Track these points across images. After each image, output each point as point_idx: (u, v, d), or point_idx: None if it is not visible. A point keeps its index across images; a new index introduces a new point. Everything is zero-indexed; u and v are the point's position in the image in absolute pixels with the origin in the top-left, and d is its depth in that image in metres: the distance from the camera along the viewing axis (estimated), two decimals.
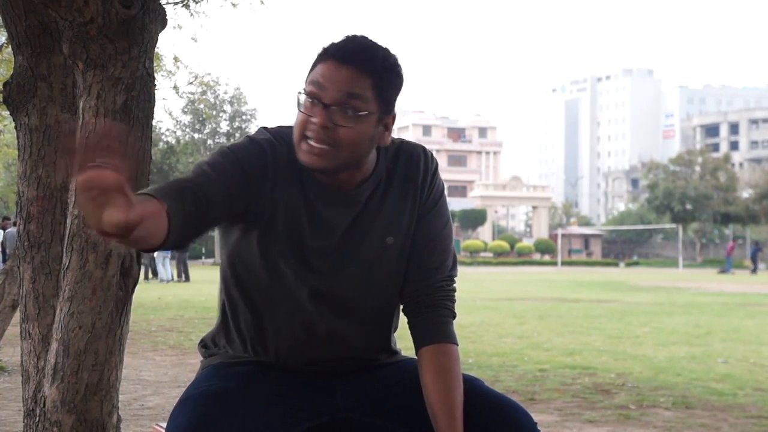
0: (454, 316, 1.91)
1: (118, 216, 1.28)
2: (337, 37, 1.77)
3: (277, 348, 1.87)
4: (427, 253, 1.89)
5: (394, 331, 2.01)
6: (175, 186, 1.62)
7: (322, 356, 1.89)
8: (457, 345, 1.88)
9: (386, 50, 1.78)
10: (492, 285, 23.47)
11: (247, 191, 1.74)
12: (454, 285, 1.94)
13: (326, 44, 1.76)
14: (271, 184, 1.77)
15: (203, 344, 1.99)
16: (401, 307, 1.96)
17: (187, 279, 23.39)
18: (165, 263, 23.26)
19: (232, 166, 1.72)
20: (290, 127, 1.83)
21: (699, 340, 9.71)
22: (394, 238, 1.86)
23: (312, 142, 1.72)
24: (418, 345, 1.87)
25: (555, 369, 7.16)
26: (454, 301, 1.93)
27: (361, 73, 1.72)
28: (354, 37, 1.76)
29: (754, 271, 40.45)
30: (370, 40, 1.77)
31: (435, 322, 1.87)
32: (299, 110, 1.74)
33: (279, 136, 1.82)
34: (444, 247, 1.91)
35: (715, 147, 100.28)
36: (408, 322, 1.92)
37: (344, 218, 1.82)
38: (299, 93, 1.74)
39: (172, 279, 23.10)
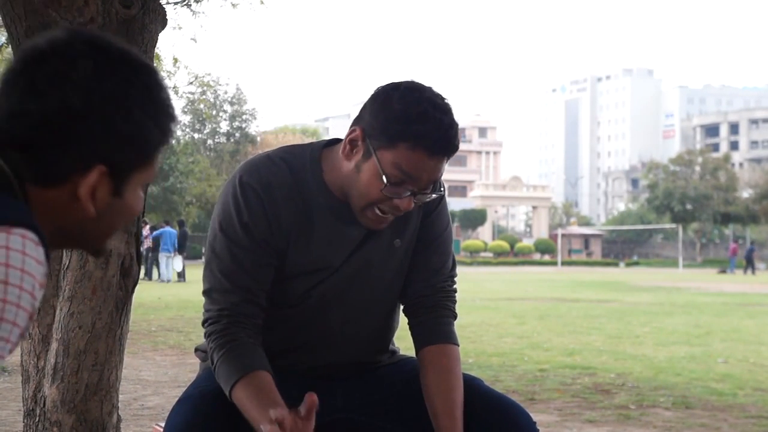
0: (454, 316, 1.91)
1: None
2: (420, 113, 1.66)
3: (285, 355, 1.88)
4: (428, 253, 1.90)
5: (395, 332, 2.02)
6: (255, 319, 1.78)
7: (327, 361, 1.90)
8: (458, 346, 1.88)
9: (455, 120, 1.72)
10: (492, 285, 23.46)
11: (274, 248, 1.79)
12: (455, 286, 1.95)
13: (414, 123, 1.66)
14: (277, 222, 1.78)
15: (201, 350, 1.99)
16: (402, 308, 1.96)
17: (183, 279, 23.36)
18: (168, 263, 23.22)
19: (259, 249, 1.77)
20: (291, 150, 1.83)
21: (699, 340, 9.71)
22: (400, 240, 1.87)
23: (386, 216, 1.74)
24: (419, 345, 1.87)
25: (555, 369, 7.16)
26: (454, 302, 1.93)
27: (445, 161, 1.72)
28: (437, 115, 1.67)
29: (753, 272, 40.43)
30: (449, 112, 1.70)
31: (436, 322, 1.88)
32: (384, 187, 1.69)
33: (272, 171, 1.79)
34: (445, 248, 1.92)
35: (715, 147, 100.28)
36: (408, 323, 1.92)
37: (360, 232, 1.82)
38: (386, 177, 1.69)
39: (171, 279, 23.05)
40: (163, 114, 1.09)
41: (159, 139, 1.09)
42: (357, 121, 1.74)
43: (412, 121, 1.66)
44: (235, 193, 1.77)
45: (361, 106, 1.78)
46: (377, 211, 1.73)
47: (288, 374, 1.87)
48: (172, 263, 23.39)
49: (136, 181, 1.09)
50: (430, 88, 1.72)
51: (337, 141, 1.85)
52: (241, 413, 1.71)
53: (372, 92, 1.75)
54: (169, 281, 22.56)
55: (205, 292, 1.80)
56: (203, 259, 1.89)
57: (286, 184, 1.78)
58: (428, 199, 1.77)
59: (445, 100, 1.72)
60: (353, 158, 1.73)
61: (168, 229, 24.05)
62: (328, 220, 1.80)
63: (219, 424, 1.70)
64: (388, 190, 1.70)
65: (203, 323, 1.80)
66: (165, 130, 1.09)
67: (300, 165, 1.80)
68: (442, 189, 1.81)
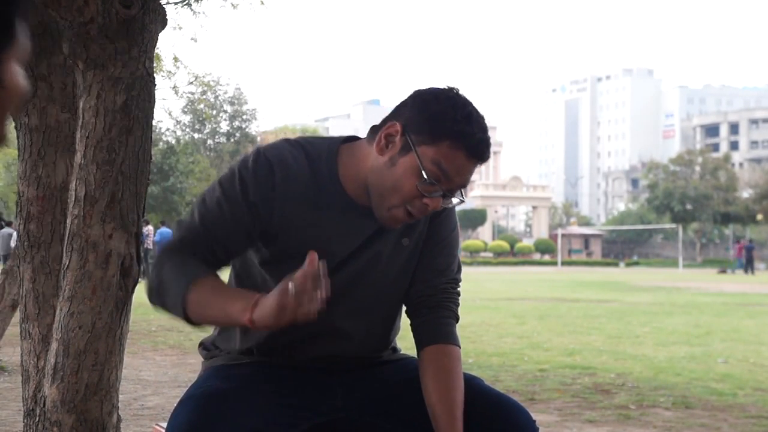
0: (456, 318, 1.92)
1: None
2: (466, 115, 1.71)
3: (285, 346, 1.88)
4: (433, 254, 1.90)
5: (397, 333, 2.02)
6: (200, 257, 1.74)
7: (327, 354, 1.90)
8: (459, 347, 1.88)
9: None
10: (492, 285, 23.46)
11: (257, 222, 1.77)
12: (459, 289, 1.95)
13: (459, 122, 1.70)
14: (283, 197, 1.77)
15: (204, 346, 2.00)
16: (404, 308, 1.96)
17: None
18: None
19: (237, 209, 1.75)
20: (310, 140, 1.84)
21: (699, 340, 9.71)
22: (408, 239, 1.87)
23: (412, 216, 1.75)
24: (420, 345, 1.88)
25: (555, 369, 7.16)
26: (457, 304, 1.93)
27: (478, 166, 1.76)
28: (480, 119, 1.73)
29: (752, 271, 40.42)
30: (485, 120, 1.77)
31: (437, 323, 1.88)
32: (420, 182, 1.70)
33: (292, 154, 1.79)
34: (450, 250, 1.92)
35: (715, 147, 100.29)
36: (410, 323, 1.92)
37: (369, 228, 1.83)
38: (425, 172, 1.70)
39: None
40: None
41: (13, 7, 1.01)
42: (393, 117, 1.76)
43: (457, 121, 1.70)
44: (247, 160, 1.79)
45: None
46: (409, 207, 1.73)
47: (288, 368, 1.87)
48: None
49: (9, 61, 1.02)
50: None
51: (355, 138, 1.85)
52: (245, 413, 1.70)
53: (411, 93, 1.78)
54: None
55: (180, 226, 1.79)
56: None
57: (303, 167, 1.79)
58: (452, 205, 1.79)
59: None
60: (387, 153, 1.74)
61: (164, 229, 24.35)
62: (337, 213, 1.80)
63: (222, 424, 1.70)
64: (424, 187, 1.71)
65: (160, 249, 1.81)
66: None
67: (317, 155, 1.81)
68: (464, 198, 1.82)
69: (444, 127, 1.69)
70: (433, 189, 1.71)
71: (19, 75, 1.04)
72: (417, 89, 1.78)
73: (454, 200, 1.78)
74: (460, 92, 1.76)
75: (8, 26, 1.00)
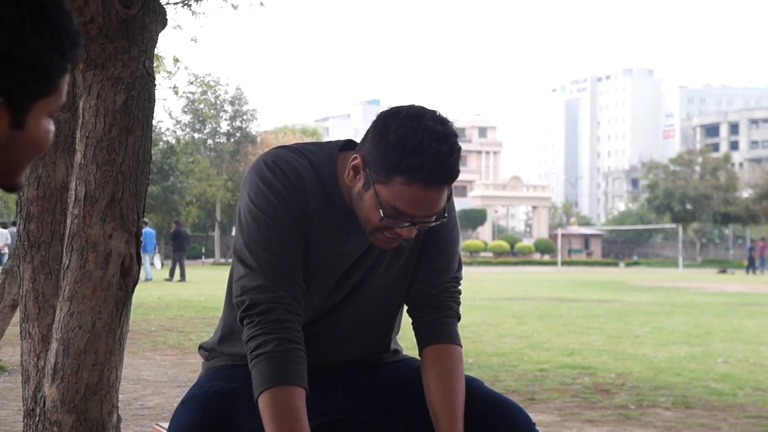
0: (458, 317, 1.92)
1: None
2: (416, 145, 1.61)
3: None
4: (433, 253, 1.90)
5: (397, 333, 2.02)
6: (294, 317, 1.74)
7: (329, 360, 1.90)
8: (461, 346, 1.88)
9: (457, 145, 1.67)
10: (492, 285, 23.46)
11: (305, 227, 1.78)
12: (460, 287, 1.95)
13: (409, 156, 1.62)
14: (305, 202, 1.78)
15: (204, 348, 1.99)
16: (406, 308, 1.96)
17: (183, 279, 23.49)
18: (146, 262, 23.97)
19: (295, 223, 1.76)
20: (309, 147, 1.83)
21: (699, 340, 9.71)
22: (407, 240, 1.87)
23: (394, 238, 1.74)
24: (422, 345, 1.88)
25: (555, 369, 7.16)
26: (458, 303, 1.93)
27: (445, 189, 1.69)
28: (433, 144, 1.62)
29: (754, 271, 40.41)
30: (448, 139, 1.65)
31: (439, 322, 1.88)
32: (382, 219, 1.69)
33: (296, 160, 1.79)
34: (450, 248, 1.92)
35: (715, 147, 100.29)
36: (412, 323, 1.92)
37: None
38: (382, 211, 1.68)
39: (152, 279, 23.33)
40: (62, 37, 0.99)
41: (60, 65, 1.00)
42: (360, 147, 1.74)
43: (407, 154, 1.63)
44: (262, 173, 1.76)
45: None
46: (385, 234, 1.73)
47: None
48: (149, 262, 24.61)
49: (40, 111, 1.00)
50: (432, 113, 1.68)
51: (352, 144, 1.84)
52: (246, 413, 1.71)
53: (375, 117, 1.74)
54: (148, 280, 22.83)
55: (251, 271, 1.72)
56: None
57: (311, 175, 1.79)
58: (432, 225, 1.75)
59: (447, 125, 1.67)
60: (356, 184, 1.73)
61: (146, 229, 24.67)
62: (342, 219, 1.80)
63: (224, 425, 1.70)
64: (387, 222, 1.70)
65: (251, 307, 1.71)
66: (66, 55, 1.00)
67: (319, 162, 1.81)
68: (445, 215, 1.78)
69: (394, 165, 1.64)
70: (396, 223, 1.70)
71: (47, 127, 1.01)
72: (382, 111, 1.73)
73: (435, 222, 1.74)
74: (419, 112, 1.67)
75: (50, 78, 0.99)
